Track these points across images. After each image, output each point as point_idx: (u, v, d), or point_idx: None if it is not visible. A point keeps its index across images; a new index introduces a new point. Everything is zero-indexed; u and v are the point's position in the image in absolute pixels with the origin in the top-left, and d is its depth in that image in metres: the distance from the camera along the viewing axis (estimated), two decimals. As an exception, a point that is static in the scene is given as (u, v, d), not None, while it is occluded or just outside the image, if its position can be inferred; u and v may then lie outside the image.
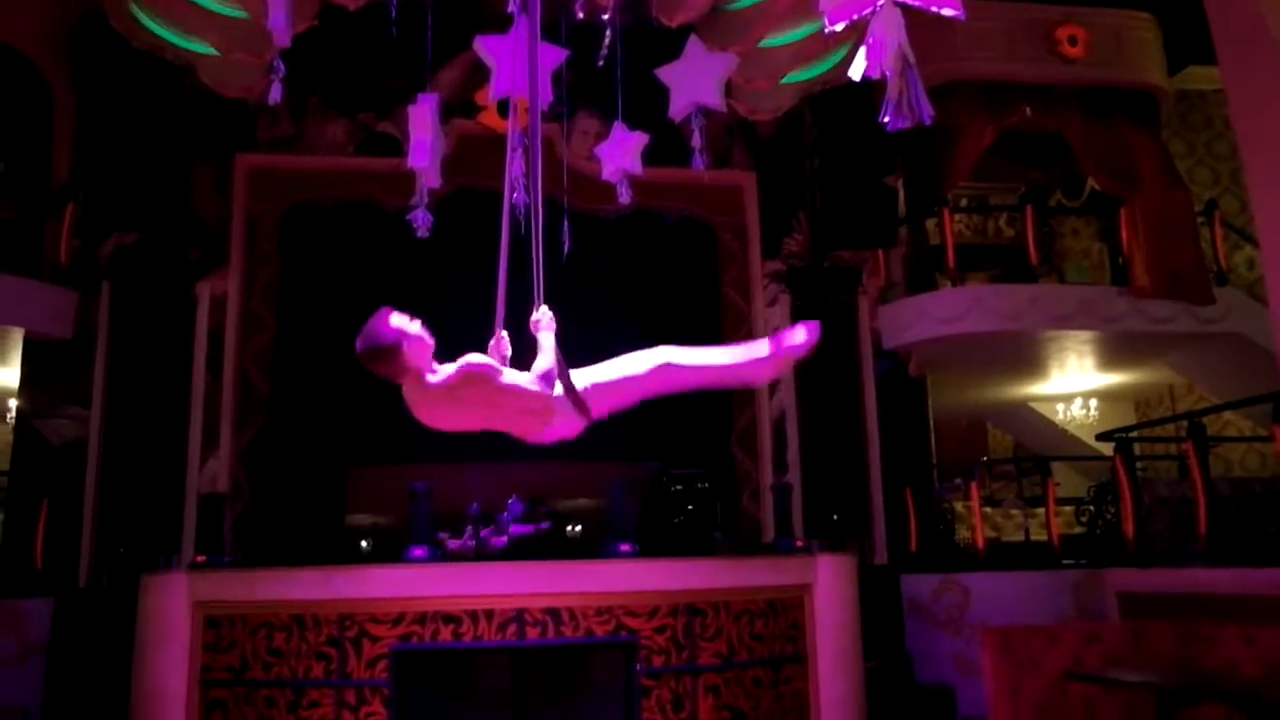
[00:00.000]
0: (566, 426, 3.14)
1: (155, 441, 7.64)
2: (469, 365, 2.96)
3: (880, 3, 2.11)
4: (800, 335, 3.20)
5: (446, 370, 2.97)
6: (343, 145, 8.41)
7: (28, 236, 7.88)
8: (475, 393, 2.99)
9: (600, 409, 3.19)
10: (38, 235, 7.89)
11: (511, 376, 3.04)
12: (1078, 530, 8.89)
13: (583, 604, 6.08)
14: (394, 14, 5.93)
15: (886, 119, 2.14)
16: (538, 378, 3.06)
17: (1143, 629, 5.89)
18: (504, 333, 3.45)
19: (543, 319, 3.26)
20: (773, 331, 3.28)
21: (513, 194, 4.85)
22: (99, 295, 7.80)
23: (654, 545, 7.02)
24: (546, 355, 3.12)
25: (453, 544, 6.60)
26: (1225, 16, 5.64)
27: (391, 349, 2.92)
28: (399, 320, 2.97)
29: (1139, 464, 8.05)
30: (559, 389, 3.07)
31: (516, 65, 4.42)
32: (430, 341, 3.00)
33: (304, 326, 8.17)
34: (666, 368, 3.20)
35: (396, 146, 7.69)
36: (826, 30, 2.20)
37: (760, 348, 3.29)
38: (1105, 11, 9.39)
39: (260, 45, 6.77)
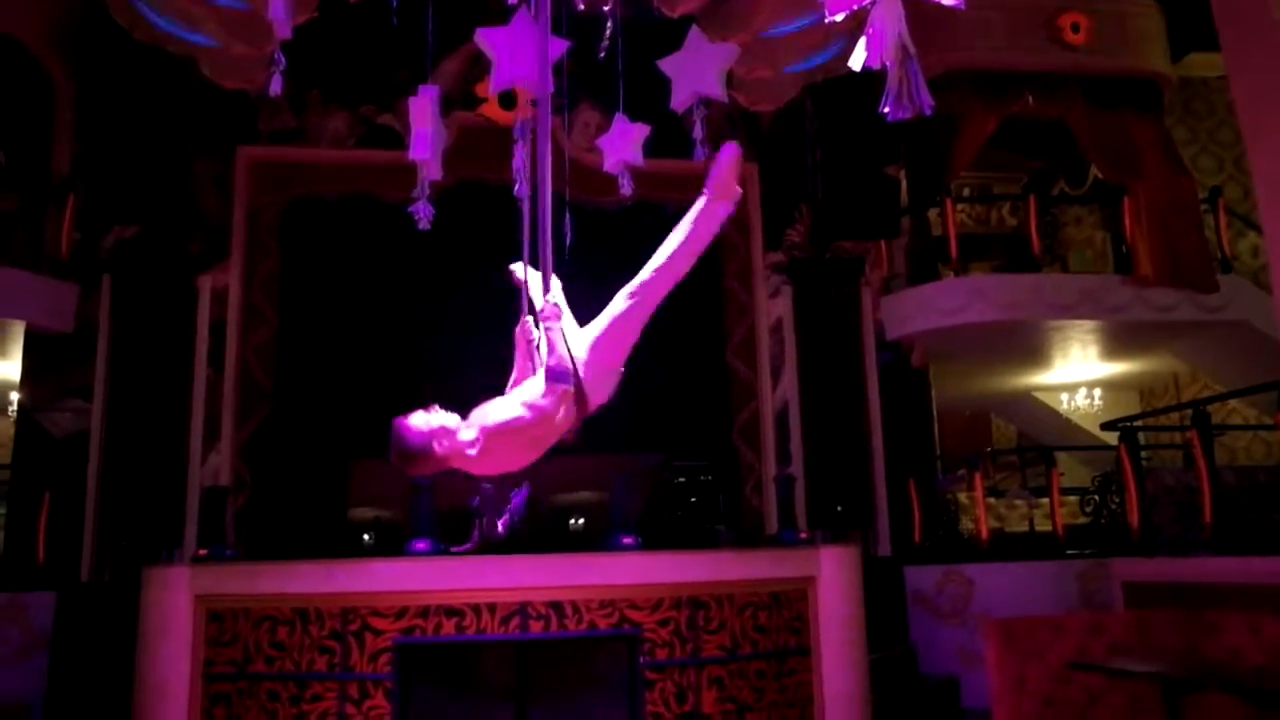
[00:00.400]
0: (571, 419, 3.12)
1: (157, 435, 7.65)
2: (485, 430, 2.94)
3: (881, -9, 2.09)
4: (722, 158, 3.15)
5: (469, 435, 2.95)
6: (344, 138, 8.40)
7: (29, 229, 7.87)
8: (507, 440, 2.97)
9: (601, 391, 3.16)
10: (39, 228, 7.89)
11: (525, 407, 2.99)
12: (1082, 520, 8.88)
13: (586, 597, 6.07)
14: (394, 5, 5.90)
15: (887, 109, 2.12)
16: (548, 382, 3.02)
17: (1147, 619, 5.88)
18: (528, 317, 3.39)
19: (545, 307, 3.22)
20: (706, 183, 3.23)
21: (516, 185, 4.86)
22: (100, 288, 7.80)
23: (657, 538, 7.01)
24: (553, 354, 3.08)
25: (457, 549, 6.61)
26: (1228, 2, 5.60)
27: (423, 453, 2.92)
28: (419, 421, 2.95)
29: (1143, 453, 8.03)
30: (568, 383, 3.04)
31: (517, 57, 4.38)
32: (454, 423, 2.97)
33: (305, 319, 8.18)
34: (640, 290, 3.20)
35: (398, 139, 7.67)
36: (826, 20, 2.18)
37: (698, 203, 3.25)
38: (1108, -1, 9.36)
39: (260, 37, 6.77)
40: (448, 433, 2.94)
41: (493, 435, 2.95)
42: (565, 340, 3.11)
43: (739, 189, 3.17)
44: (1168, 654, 5.56)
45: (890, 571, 8.08)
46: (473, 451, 2.94)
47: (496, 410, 3.02)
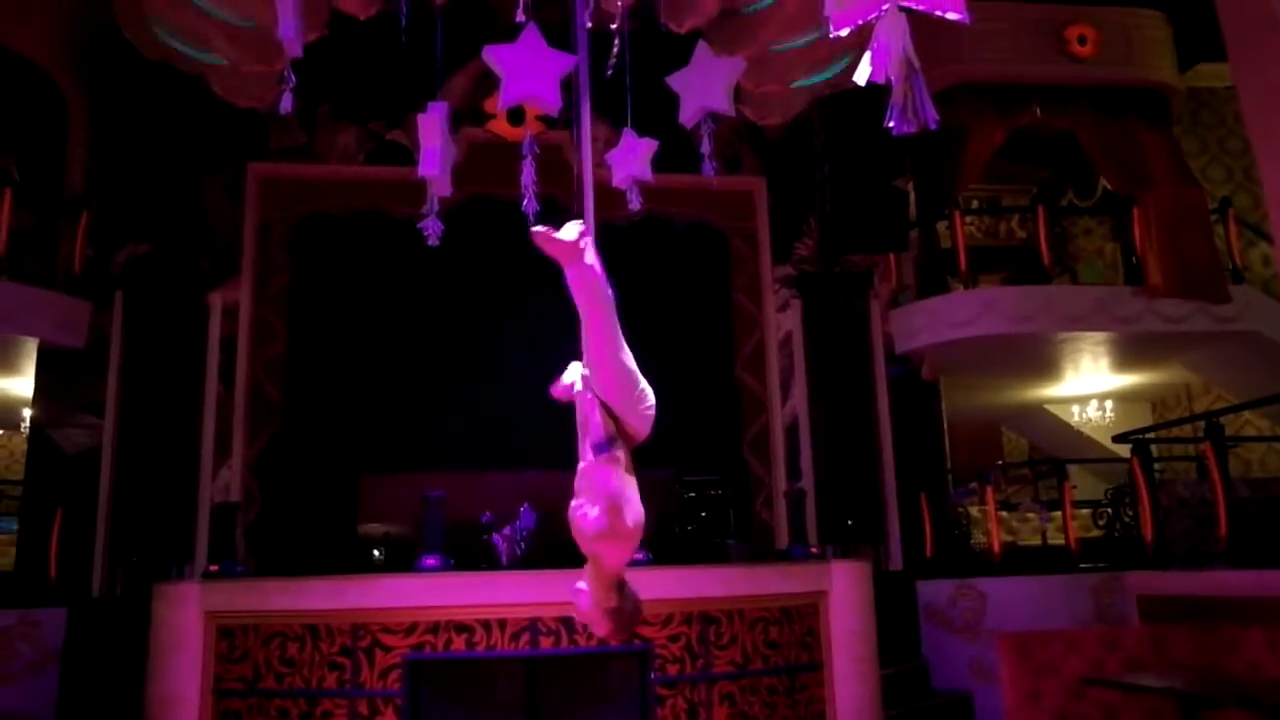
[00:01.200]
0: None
1: (168, 450, 7.67)
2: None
3: (885, 7, 2.09)
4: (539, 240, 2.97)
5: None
6: (353, 154, 8.44)
7: (43, 246, 7.92)
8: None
9: (637, 422, 3.17)
10: (52, 245, 7.94)
11: (611, 494, 2.97)
12: (1095, 533, 8.83)
13: (596, 612, 6.05)
14: (404, 22, 5.94)
15: (892, 124, 2.12)
16: (596, 456, 3.02)
17: (1163, 633, 5.84)
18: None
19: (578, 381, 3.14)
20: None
21: (524, 200, 4.87)
22: (112, 304, 7.84)
23: (667, 553, 6.99)
24: (590, 427, 3.06)
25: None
26: (1235, 13, 5.60)
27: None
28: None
29: (1157, 465, 7.98)
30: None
31: (525, 73, 4.40)
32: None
33: (315, 335, 8.20)
34: (588, 360, 3.15)
35: (407, 155, 7.69)
36: (831, 35, 2.18)
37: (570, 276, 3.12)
38: (1114, 10, 9.34)
39: (271, 55, 6.81)
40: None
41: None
42: (598, 407, 3.07)
43: (580, 246, 3.05)
44: (1184, 669, 5.52)
45: (902, 586, 8.04)
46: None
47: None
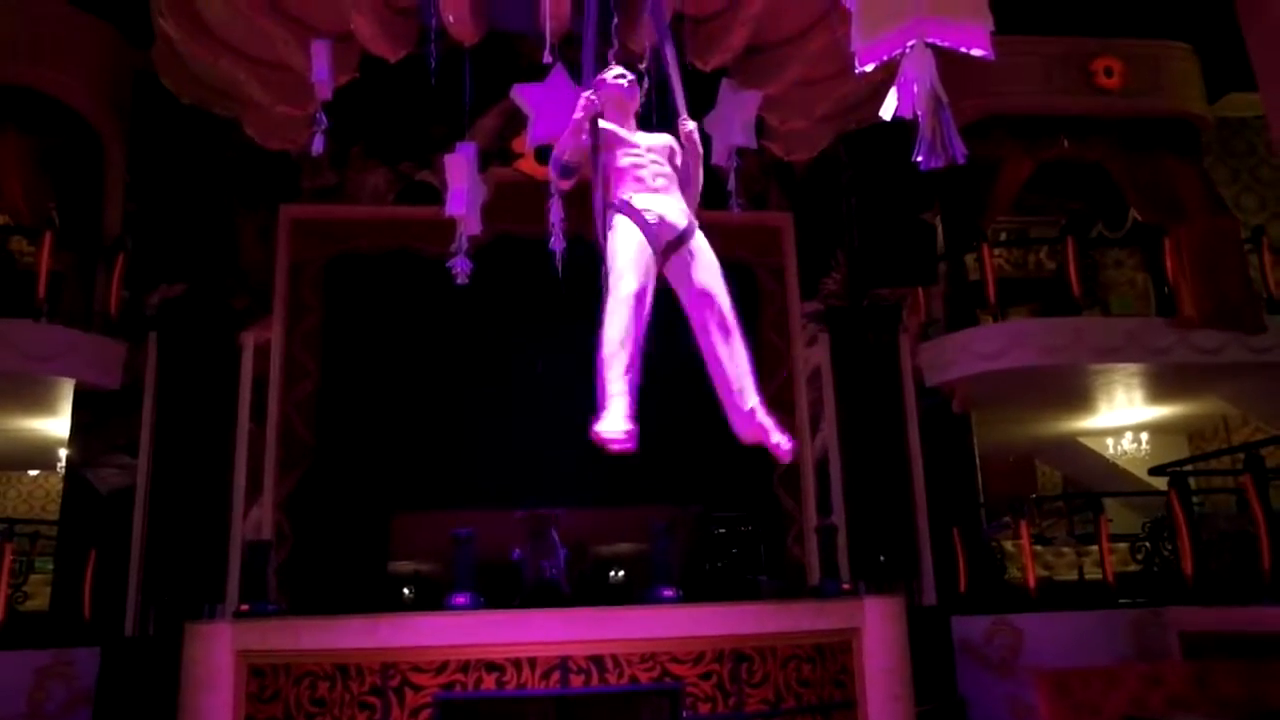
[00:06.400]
0: None
1: (201, 489, 7.73)
2: None
3: (910, 43, 2.10)
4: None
5: None
6: (383, 194, 8.54)
7: (80, 288, 8.06)
8: None
9: None
10: (89, 286, 8.07)
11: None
12: (1133, 568, 8.66)
13: (627, 651, 6.01)
14: (433, 64, 6.04)
15: (920, 158, 2.12)
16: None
17: (1207, 670, 5.71)
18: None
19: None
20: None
21: (552, 239, 4.90)
22: (146, 345, 7.95)
23: (698, 590, 6.94)
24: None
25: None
26: (1265, 43, 5.58)
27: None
28: None
29: (1195, 498, 7.84)
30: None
31: (553, 112, 4.46)
32: None
33: (347, 373, 8.26)
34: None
35: (436, 195, 7.78)
36: (857, 70, 2.19)
37: None
38: (1141, 42, 9.33)
39: (303, 98, 6.94)
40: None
41: None
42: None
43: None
44: (1230, 707, 5.39)
45: (936, 621, 7.92)
46: None
47: None
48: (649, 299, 3.22)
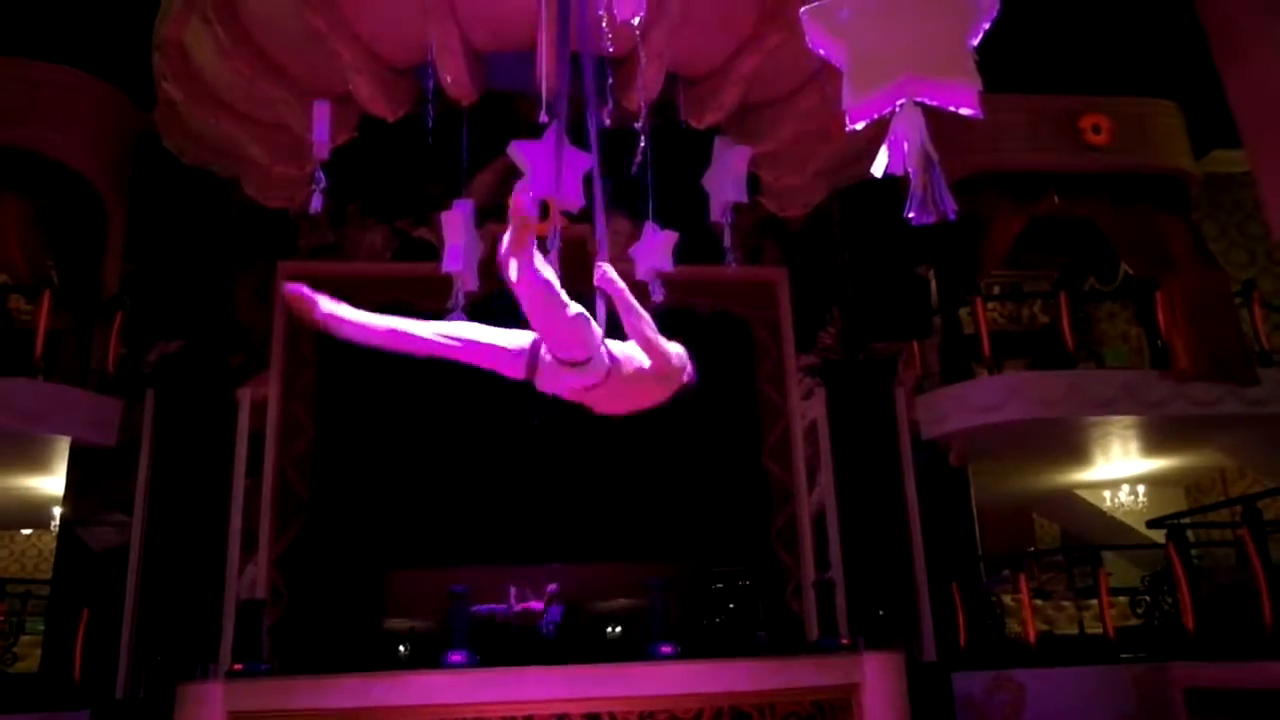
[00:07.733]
0: None
1: (195, 547, 7.66)
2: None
3: (900, 102, 2.15)
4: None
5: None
6: (381, 251, 8.59)
7: (78, 345, 8.07)
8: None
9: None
10: (87, 344, 8.09)
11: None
12: (1133, 621, 8.59)
13: (625, 708, 5.94)
14: (431, 124, 6.14)
15: (911, 214, 2.16)
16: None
17: (1211, 727, 5.65)
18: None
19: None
20: None
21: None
22: (143, 402, 7.93)
23: (696, 645, 6.87)
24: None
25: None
26: (1245, 100, 5.69)
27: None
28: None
29: (1194, 551, 7.81)
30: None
31: (549, 170, 4.52)
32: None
33: (342, 430, 8.24)
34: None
35: (434, 252, 7.84)
36: (848, 128, 2.24)
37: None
38: (1127, 100, 9.52)
39: (302, 158, 7.04)
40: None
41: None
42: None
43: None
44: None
45: (936, 677, 7.83)
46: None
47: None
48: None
